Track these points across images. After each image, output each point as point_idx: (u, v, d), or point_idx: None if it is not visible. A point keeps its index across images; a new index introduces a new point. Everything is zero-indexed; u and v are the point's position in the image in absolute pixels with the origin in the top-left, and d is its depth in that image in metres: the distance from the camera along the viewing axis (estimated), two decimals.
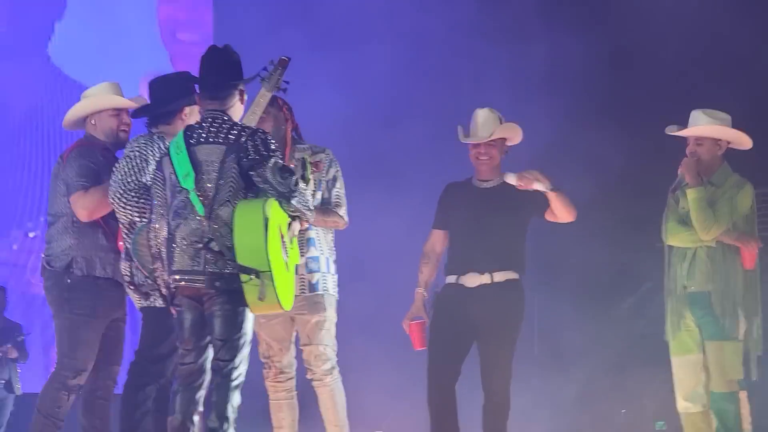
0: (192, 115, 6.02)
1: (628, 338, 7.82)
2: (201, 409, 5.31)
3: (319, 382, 6.24)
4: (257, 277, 5.09)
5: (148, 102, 6.16)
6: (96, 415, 6.16)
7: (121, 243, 5.99)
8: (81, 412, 6.20)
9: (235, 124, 5.39)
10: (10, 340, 10.79)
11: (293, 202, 5.25)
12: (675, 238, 6.52)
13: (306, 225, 5.53)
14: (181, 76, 6.10)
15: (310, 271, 6.21)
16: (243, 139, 5.28)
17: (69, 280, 6.08)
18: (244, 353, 5.26)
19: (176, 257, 5.27)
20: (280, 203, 5.23)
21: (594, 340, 8.48)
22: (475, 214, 6.62)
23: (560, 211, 6.48)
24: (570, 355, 8.58)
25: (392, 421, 7.75)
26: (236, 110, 5.48)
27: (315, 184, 6.09)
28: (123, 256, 5.98)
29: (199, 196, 5.23)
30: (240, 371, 5.24)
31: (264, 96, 5.82)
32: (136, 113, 6.23)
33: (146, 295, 5.86)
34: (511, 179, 6.47)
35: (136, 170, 5.78)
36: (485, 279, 6.53)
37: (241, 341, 5.24)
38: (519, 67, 9.47)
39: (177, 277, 5.27)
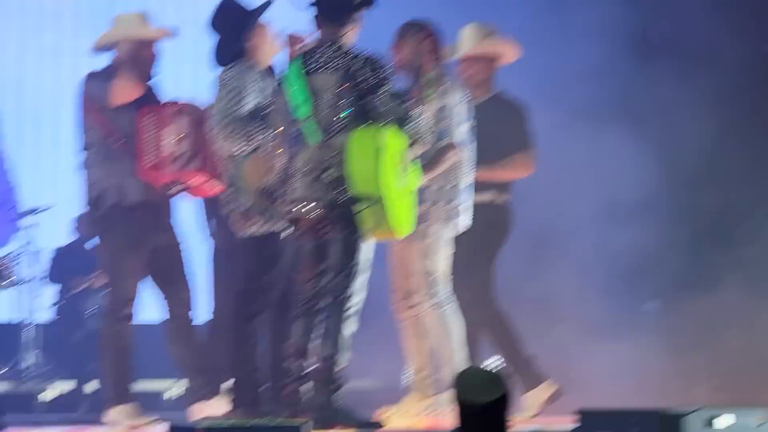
0: (258, 40, 5.84)
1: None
2: (317, 334, 5.31)
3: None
4: (370, 204, 5.13)
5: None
6: (179, 345, 6.19)
7: (143, 168, 5.94)
8: (167, 346, 6.23)
9: (350, 50, 5.40)
10: None
11: (406, 127, 5.29)
12: None
13: (423, 149, 5.51)
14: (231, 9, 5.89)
15: None
16: (356, 66, 5.30)
17: (98, 212, 6.10)
18: (360, 281, 5.29)
19: (293, 185, 5.34)
20: (394, 129, 5.26)
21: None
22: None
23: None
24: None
25: None
26: (350, 37, 5.48)
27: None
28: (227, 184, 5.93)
29: (314, 124, 5.29)
30: (356, 299, 5.28)
31: None
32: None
33: (250, 223, 5.76)
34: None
35: (234, 101, 5.66)
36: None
37: (356, 269, 5.28)
38: None
39: (295, 204, 5.33)
